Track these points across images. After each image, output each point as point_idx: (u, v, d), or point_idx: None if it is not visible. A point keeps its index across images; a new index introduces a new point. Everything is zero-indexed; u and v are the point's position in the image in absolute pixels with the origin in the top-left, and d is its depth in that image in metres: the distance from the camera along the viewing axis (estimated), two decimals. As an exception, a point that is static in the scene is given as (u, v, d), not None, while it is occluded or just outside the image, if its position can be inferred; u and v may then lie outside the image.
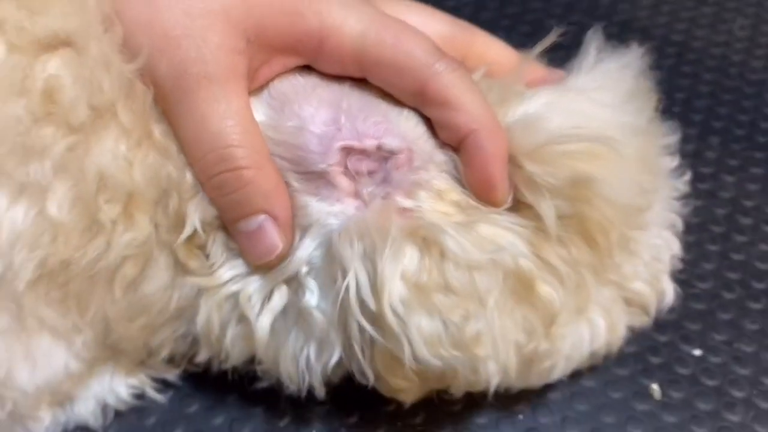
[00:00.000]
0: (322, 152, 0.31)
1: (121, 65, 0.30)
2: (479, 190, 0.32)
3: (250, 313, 0.33)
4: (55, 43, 0.30)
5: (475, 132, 0.32)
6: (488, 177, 0.32)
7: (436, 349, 0.30)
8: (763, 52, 0.57)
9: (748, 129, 0.52)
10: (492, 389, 0.33)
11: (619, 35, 0.57)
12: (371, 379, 0.32)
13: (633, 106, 0.35)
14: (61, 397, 0.36)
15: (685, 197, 0.40)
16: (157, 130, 0.32)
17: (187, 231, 0.32)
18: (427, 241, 0.31)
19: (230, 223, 0.32)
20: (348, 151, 0.31)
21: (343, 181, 0.32)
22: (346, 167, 0.32)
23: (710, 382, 0.39)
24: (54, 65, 0.30)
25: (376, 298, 0.30)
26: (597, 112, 0.34)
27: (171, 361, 0.37)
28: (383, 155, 0.32)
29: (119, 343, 0.34)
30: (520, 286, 0.32)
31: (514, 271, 0.31)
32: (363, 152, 0.32)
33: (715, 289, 0.43)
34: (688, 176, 0.41)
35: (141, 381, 0.37)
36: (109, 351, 0.35)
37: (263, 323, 0.33)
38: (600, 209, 0.33)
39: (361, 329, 0.31)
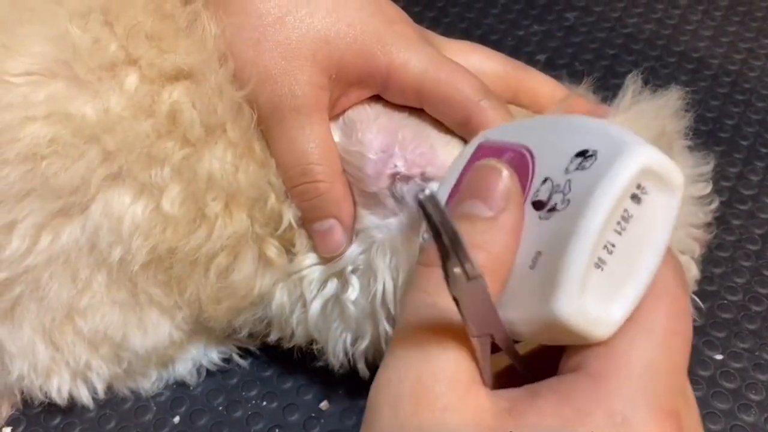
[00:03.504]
0: (375, 176, 0.38)
1: (232, 92, 0.37)
2: None
3: (308, 296, 0.40)
4: (179, 75, 0.37)
5: None
6: None
7: None
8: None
9: (794, 155, 0.55)
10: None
11: (677, 64, 0.62)
12: None
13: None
14: (165, 359, 0.44)
15: (720, 218, 0.43)
16: (258, 146, 0.39)
17: (284, 225, 0.39)
18: None
19: (308, 224, 0.39)
20: (395, 176, 0.37)
21: (390, 202, 0.38)
22: (393, 190, 0.38)
23: (729, 385, 0.43)
24: (177, 93, 0.37)
25: (396, 305, 0.36)
26: None
27: (250, 336, 0.44)
28: (425, 182, 0.37)
29: (208, 321, 0.41)
30: None
31: None
32: (408, 178, 0.37)
33: (744, 302, 0.47)
34: (716, 204, 0.43)
35: (229, 348, 0.45)
36: (202, 326, 0.43)
37: (315, 307, 0.40)
38: None
39: (385, 328, 0.37)
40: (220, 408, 0.44)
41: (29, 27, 0.37)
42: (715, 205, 0.43)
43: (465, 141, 0.38)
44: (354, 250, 0.39)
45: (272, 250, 0.40)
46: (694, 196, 0.43)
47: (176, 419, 0.43)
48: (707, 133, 0.56)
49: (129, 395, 0.44)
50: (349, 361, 0.40)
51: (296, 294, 0.40)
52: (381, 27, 0.38)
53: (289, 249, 0.40)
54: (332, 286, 0.40)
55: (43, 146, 0.36)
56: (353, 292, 0.39)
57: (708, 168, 0.43)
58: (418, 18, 0.39)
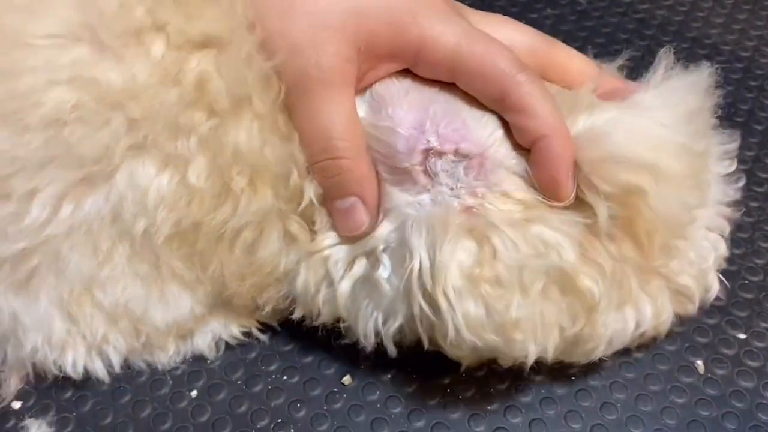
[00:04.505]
0: (407, 153, 0.37)
1: (261, 62, 0.36)
2: (546, 188, 0.37)
3: (335, 276, 0.39)
4: (207, 43, 0.36)
5: (547, 137, 0.36)
6: (555, 177, 0.36)
7: (478, 332, 0.35)
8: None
9: (808, 140, 0.55)
10: (528, 365, 0.37)
11: (690, 50, 0.62)
12: (426, 345, 0.38)
13: (690, 127, 0.38)
14: (185, 333, 0.43)
15: (739, 201, 0.43)
16: (282, 119, 0.37)
17: (305, 202, 0.38)
18: (483, 237, 0.36)
19: (329, 201, 0.38)
20: (429, 152, 0.37)
21: (422, 179, 0.37)
22: (426, 166, 0.37)
23: (752, 363, 0.43)
24: (205, 61, 0.35)
25: (433, 283, 0.35)
26: (655, 131, 0.37)
27: (274, 313, 0.43)
28: (459, 158, 0.37)
29: (232, 298, 0.40)
30: (564, 280, 0.36)
31: (558, 267, 0.36)
32: (442, 154, 0.37)
33: (764, 282, 0.47)
34: (742, 182, 0.44)
35: (249, 322, 0.44)
36: (225, 301, 0.41)
37: (344, 287, 0.38)
38: (647, 217, 0.36)
39: (420, 305, 0.36)
40: (239, 382, 0.42)
41: None
42: (741, 183, 0.43)
43: (499, 117, 0.38)
44: (385, 227, 0.38)
45: (295, 226, 0.39)
46: (721, 174, 0.43)
47: (194, 393, 0.42)
48: (722, 118, 0.56)
49: (144, 368, 0.43)
50: (380, 341, 0.39)
51: (321, 273, 0.39)
52: None
53: (310, 227, 0.39)
54: (361, 265, 0.38)
55: (67, 111, 0.34)
56: (385, 271, 0.38)
57: (734, 146, 0.43)
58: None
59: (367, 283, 0.38)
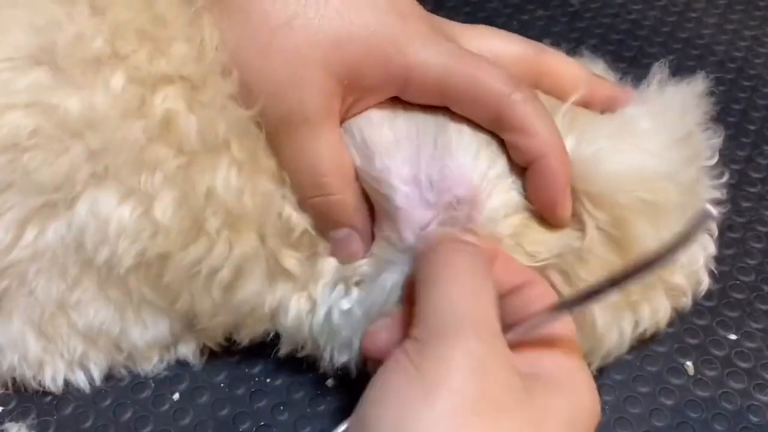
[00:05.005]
0: (407, 209, 0.36)
1: (237, 111, 0.34)
2: (545, 207, 0.36)
3: (320, 301, 0.38)
4: (174, 81, 0.34)
5: (545, 156, 0.34)
6: (553, 197, 0.35)
7: None
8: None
9: (801, 140, 0.55)
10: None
11: (682, 50, 0.61)
12: None
13: (681, 154, 0.37)
14: (168, 345, 0.42)
15: (730, 201, 0.43)
16: (268, 160, 0.36)
17: (299, 231, 0.37)
18: None
19: (325, 232, 0.38)
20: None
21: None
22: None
23: (743, 364, 0.42)
24: (172, 98, 0.34)
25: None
26: (644, 161, 0.36)
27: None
28: (453, 206, 0.36)
29: (201, 332, 0.40)
30: None
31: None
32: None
33: (756, 283, 0.46)
34: (734, 182, 0.43)
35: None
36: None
37: (321, 311, 0.38)
38: (633, 251, 0.36)
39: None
40: (222, 385, 0.42)
41: (13, 11, 0.35)
42: (725, 178, 0.43)
43: (490, 140, 0.36)
44: (365, 262, 0.38)
45: (291, 261, 0.38)
46: (707, 170, 0.42)
47: (176, 396, 0.41)
48: (715, 118, 0.56)
49: (126, 373, 0.42)
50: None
51: (311, 303, 0.39)
52: (395, 25, 0.34)
53: (308, 253, 0.39)
54: (339, 290, 0.38)
55: (24, 137, 0.34)
56: (348, 303, 0.38)
57: (717, 141, 0.42)
58: (421, 1, 0.37)
59: (335, 309, 0.38)
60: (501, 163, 0.36)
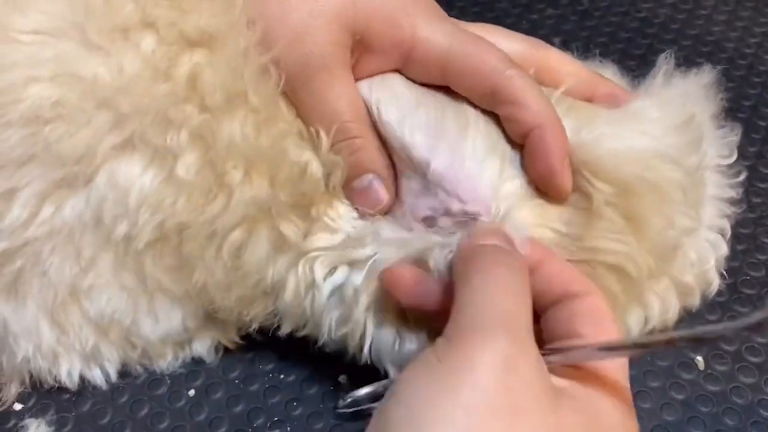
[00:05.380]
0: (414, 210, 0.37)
1: (258, 57, 0.36)
2: (543, 179, 0.36)
3: (318, 280, 0.38)
4: (201, 40, 0.36)
5: (540, 127, 0.36)
6: (550, 167, 0.36)
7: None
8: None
9: (812, 136, 0.54)
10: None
11: (692, 47, 0.61)
12: None
13: (680, 141, 0.38)
14: (182, 342, 0.43)
15: (741, 197, 0.43)
16: (284, 107, 0.37)
17: (311, 174, 0.37)
18: None
19: (348, 184, 0.38)
20: (434, 215, 0.37)
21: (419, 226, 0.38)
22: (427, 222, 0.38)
23: (753, 359, 0.42)
24: (198, 57, 0.36)
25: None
26: (645, 145, 0.37)
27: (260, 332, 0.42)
28: (462, 217, 0.37)
29: (217, 312, 0.40)
30: None
31: None
32: (447, 215, 0.37)
33: (766, 278, 0.46)
34: (744, 177, 0.43)
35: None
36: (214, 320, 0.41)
37: (324, 291, 0.38)
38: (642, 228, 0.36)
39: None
40: (236, 381, 0.43)
41: None
42: (742, 177, 0.43)
43: (502, 153, 0.37)
44: (369, 247, 0.38)
45: (290, 227, 0.38)
46: (721, 169, 0.42)
47: (191, 392, 0.42)
48: (725, 114, 0.56)
49: (142, 370, 0.43)
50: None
51: (309, 279, 0.39)
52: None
53: (304, 224, 0.39)
54: (343, 272, 0.38)
55: (47, 109, 0.34)
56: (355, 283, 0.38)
57: (735, 139, 0.43)
58: None
59: (339, 291, 0.38)
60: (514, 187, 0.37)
